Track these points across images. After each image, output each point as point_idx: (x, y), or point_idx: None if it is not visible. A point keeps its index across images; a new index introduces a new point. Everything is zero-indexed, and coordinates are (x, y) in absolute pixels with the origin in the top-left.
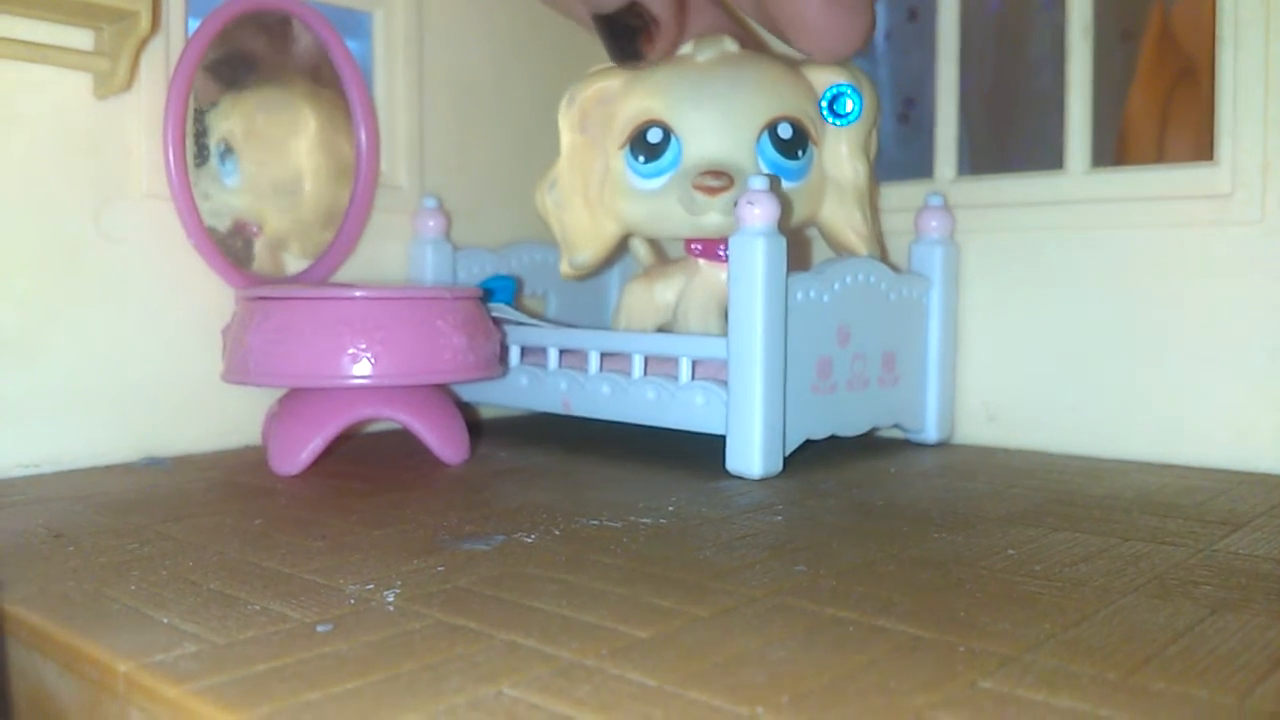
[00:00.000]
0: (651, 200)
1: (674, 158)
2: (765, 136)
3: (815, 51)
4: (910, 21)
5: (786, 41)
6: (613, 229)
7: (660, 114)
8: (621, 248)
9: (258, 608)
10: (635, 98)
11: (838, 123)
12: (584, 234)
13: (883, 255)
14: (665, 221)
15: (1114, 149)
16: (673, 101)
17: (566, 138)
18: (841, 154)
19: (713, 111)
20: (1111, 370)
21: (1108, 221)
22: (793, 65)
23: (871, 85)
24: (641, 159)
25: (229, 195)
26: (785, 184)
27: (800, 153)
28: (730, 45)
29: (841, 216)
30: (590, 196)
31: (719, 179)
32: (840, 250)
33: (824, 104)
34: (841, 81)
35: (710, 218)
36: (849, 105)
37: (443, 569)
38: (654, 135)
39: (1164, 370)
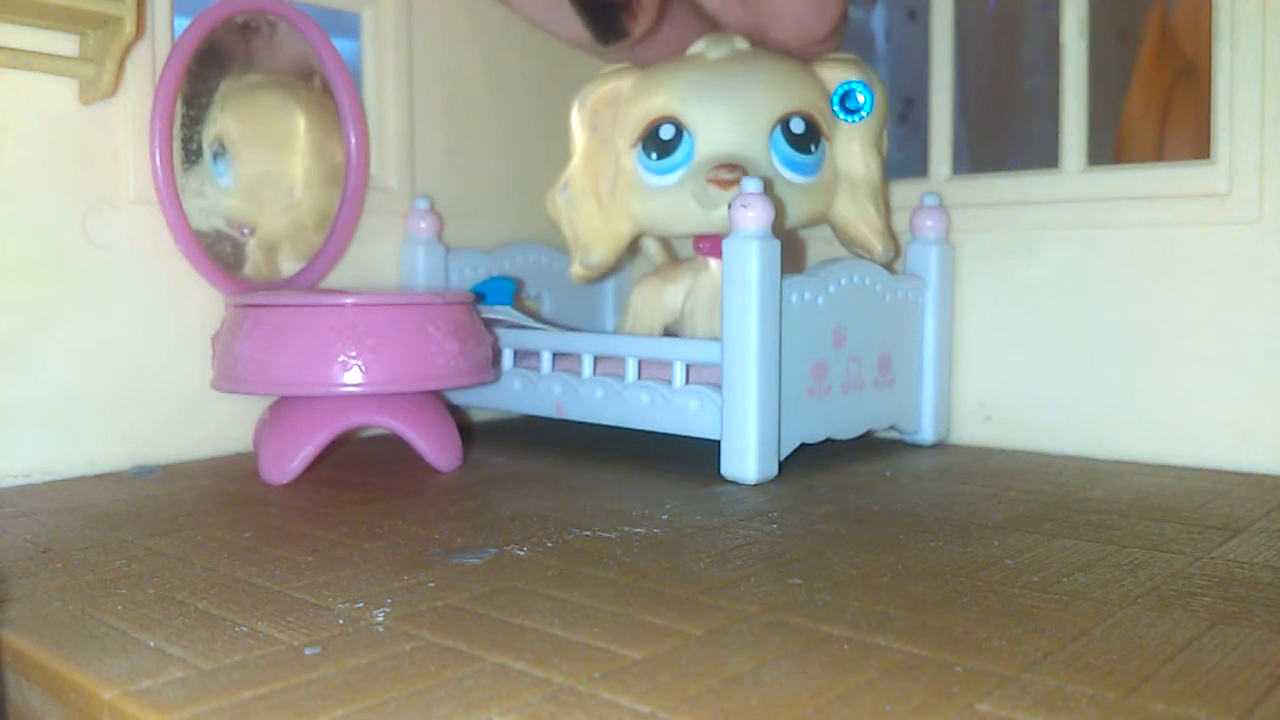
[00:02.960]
0: (663, 197)
1: (687, 153)
2: (778, 131)
3: (794, 39)
4: (910, 21)
5: (764, 41)
6: (625, 228)
7: (672, 110)
8: (633, 250)
9: (245, 629)
10: (647, 96)
11: (850, 119)
12: (596, 234)
13: (896, 252)
14: (677, 217)
15: (1113, 149)
16: (685, 97)
17: (579, 138)
18: (854, 151)
19: (725, 106)
20: (1108, 370)
21: (1104, 220)
22: (804, 63)
23: (881, 84)
24: (654, 156)
25: (220, 197)
26: (799, 178)
27: (814, 147)
28: (741, 44)
29: (855, 212)
30: (602, 197)
31: (733, 171)
32: (854, 246)
33: (836, 100)
34: (853, 78)
35: (723, 211)
36: (861, 101)
37: (433, 585)
38: (666, 132)
39: (1161, 370)
